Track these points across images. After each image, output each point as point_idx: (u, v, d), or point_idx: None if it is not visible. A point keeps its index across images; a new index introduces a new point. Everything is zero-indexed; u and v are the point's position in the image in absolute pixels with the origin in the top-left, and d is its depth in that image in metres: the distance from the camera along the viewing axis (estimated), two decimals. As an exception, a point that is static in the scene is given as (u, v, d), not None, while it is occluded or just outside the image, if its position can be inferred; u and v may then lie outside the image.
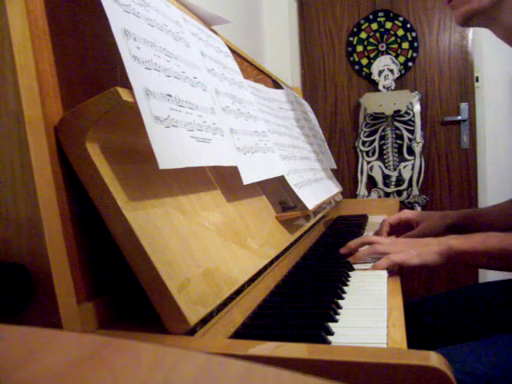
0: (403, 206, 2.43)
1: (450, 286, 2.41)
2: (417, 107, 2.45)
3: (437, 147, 2.48)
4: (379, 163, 2.50)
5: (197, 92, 0.64)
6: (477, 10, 0.85)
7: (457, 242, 0.81)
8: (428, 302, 1.05)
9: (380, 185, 2.50)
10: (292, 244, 0.89)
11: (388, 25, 2.50)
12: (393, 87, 2.47)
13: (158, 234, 0.48)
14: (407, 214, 1.13)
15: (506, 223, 1.06)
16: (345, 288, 0.72)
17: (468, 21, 0.88)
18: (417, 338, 0.92)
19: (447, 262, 0.81)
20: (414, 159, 2.45)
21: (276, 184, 1.02)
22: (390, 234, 1.12)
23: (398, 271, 0.83)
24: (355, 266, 0.86)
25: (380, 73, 2.49)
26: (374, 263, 0.83)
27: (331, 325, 0.56)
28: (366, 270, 0.83)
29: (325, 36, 2.58)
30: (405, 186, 2.47)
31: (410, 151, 2.46)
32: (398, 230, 1.13)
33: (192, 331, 0.46)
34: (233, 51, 0.99)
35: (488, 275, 2.28)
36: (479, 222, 1.09)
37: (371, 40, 2.53)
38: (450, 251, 0.80)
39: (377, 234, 1.13)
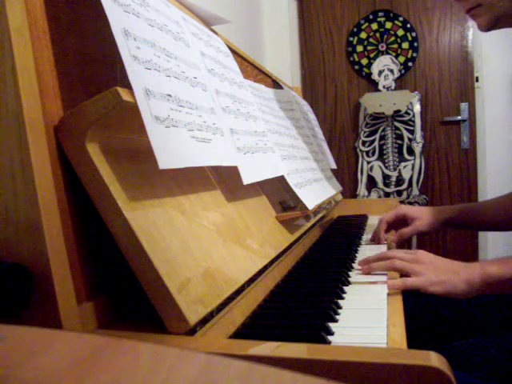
0: (403, 205, 2.43)
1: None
2: (417, 107, 2.45)
3: (437, 147, 2.48)
4: (379, 163, 2.50)
5: (197, 92, 0.63)
6: (500, 16, 0.85)
7: (495, 268, 0.71)
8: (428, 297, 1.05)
9: (380, 185, 2.50)
10: (292, 244, 0.89)
11: (388, 25, 2.50)
12: (393, 87, 2.47)
13: (158, 234, 0.48)
14: (403, 209, 1.14)
15: (502, 218, 1.06)
16: (345, 288, 0.72)
17: (493, 27, 0.88)
18: (417, 335, 0.92)
19: (482, 291, 0.72)
20: (414, 159, 2.45)
21: (276, 184, 1.02)
22: (387, 231, 1.13)
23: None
24: (355, 266, 0.85)
25: (380, 73, 2.49)
26: (387, 280, 0.75)
27: (331, 325, 0.55)
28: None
29: (325, 36, 2.58)
30: (405, 185, 2.47)
31: (410, 151, 2.46)
32: (395, 226, 1.14)
33: (192, 331, 0.46)
34: (233, 51, 0.99)
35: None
36: (475, 217, 1.09)
37: (371, 40, 2.53)
38: (489, 279, 0.71)
39: (375, 232, 1.13)
